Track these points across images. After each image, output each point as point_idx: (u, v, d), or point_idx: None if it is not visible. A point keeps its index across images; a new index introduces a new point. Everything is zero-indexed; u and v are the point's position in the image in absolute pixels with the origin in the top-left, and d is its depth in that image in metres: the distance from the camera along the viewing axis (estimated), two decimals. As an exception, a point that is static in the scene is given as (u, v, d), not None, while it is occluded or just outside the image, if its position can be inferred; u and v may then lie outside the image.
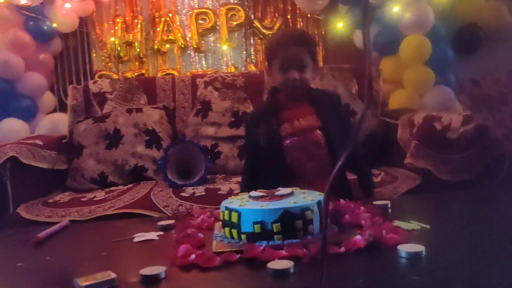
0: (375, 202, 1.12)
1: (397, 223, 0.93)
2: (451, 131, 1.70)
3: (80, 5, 3.00)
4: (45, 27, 2.89)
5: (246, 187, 1.47)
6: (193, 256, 0.79)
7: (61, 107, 3.25)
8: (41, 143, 2.00)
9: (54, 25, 2.91)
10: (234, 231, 0.89)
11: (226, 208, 0.91)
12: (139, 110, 2.23)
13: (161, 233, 1.02)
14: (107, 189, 1.96)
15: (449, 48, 2.83)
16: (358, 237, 0.81)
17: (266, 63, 1.66)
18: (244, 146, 1.98)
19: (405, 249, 0.75)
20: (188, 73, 3.18)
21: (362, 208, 1.03)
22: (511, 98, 3.15)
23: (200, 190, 1.79)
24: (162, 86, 2.41)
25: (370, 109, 2.28)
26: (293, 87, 1.50)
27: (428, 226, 0.91)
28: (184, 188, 1.83)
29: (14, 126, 2.83)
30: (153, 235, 1.00)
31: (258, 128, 1.53)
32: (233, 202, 0.93)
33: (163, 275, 0.73)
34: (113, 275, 0.72)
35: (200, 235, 0.94)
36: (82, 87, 2.38)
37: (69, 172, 2.09)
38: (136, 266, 0.79)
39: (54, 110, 3.20)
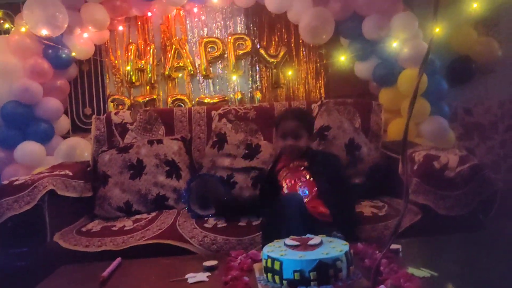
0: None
1: (410, 270, 1.11)
2: (449, 170, 1.89)
3: (97, 34, 3.17)
4: (63, 55, 3.04)
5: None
6: (247, 301, 0.96)
7: (74, 129, 3.41)
8: (71, 173, 2.15)
9: (73, 54, 3.06)
10: (277, 277, 1.07)
11: (269, 257, 1.09)
12: (160, 141, 2.39)
13: (209, 273, 1.19)
14: (133, 218, 2.12)
15: (444, 80, 3.05)
16: (382, 286, 0.99)
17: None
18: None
19: (421, 298, 0.93)
20: (197, 99, 3.37)
21: (378, 252, 1.21)
22: (501, 127, 3.38)
23: (221, 222, 1.96)
24: (179, 118, 2.58)
25: (373, 143, 2.47)
26: (289, 151, 2.08)
27: (436, 274, 1.09)
28: (206, 218, 2.00)
29: (32, 149, 2.98)
30: (203, 276, 1.17)
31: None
32: (273, 251, 1.11)
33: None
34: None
35: (246, 278, 1.11)
36: (104, 117, 2.53)
37: (96, 200, 2.24)
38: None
39: (68, 132, 3.35)
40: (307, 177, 2.00)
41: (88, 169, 2.40)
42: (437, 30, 2.94)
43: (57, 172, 2.07)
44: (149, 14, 3.32)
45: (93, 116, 2.54)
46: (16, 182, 1.88)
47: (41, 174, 2.04)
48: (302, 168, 2.05)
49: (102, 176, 2.29)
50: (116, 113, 2.57)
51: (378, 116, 2.60)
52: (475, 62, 3.30)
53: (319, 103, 2.61)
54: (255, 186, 2.29)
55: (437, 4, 1.23)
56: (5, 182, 1.92)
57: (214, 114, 2.56)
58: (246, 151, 2.38)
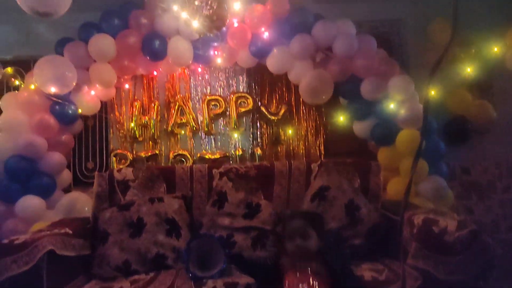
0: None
1: None
2: (448, 235, 1.90)
3: (103, 91, 3.27)
4: (70, 111, 3.12)
5: None
6: None
7: (76, 182, 3.44)
8: (70, 231, 2.14)
9: (80, 110, 3.15)
10: None
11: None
12: (161, 199, 2.41)
13: None
14: (131, 278, 2.09)
15: (441, 140, 3.11)
16: None
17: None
18: None
19: None
20: (199, 155, 3.43)
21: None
22: (500, 186, 3.41)
23: (219, 284, 1.93)
24: (181, 176, 2.61)
25: (373, 204, 2.49)
26: (297, 253, 1.88)
27: None
28: (204, 280, 1.98)
29: (33, 203, 2.98)
30: None
31: None
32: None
33: None
34: None
35: None
36: (107, 174, 2.56)
37: (95, 259, 2.22)
38: None
39: (69, 186, 3.37)
40: (312, 282, 1.80)
41: (88, 226, 2.40)
42: (432, 92, 3.07)
43: (57, 231, 2.07)
44: (155, 73, 3.45)
45: (96, 173, 2.57)
46: (16, 241, 1.88)
47: (41, 232, 2.04)
48: (309, 271, 1.84)
49: (101, 234, 2.29)
50: (118, 170, 2.60)
51: (377, 177, 2.63)
52: (470, 123, 3.39)
53: (319, 162, 2.66)
54: (255, 247, 2.30)
55: (436, 67, 1.29)
56: (5, 241, 1.92)
57: (215, 172, 2.60)
58: (246, 211, 2.40)
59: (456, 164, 3.43)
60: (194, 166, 2.65)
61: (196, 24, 2.56)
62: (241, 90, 3.56)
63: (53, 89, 2.93)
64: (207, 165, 2.68)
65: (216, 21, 2.67)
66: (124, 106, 3.50)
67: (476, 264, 1.86)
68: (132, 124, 3.42)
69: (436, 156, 3.08)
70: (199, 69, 3.51)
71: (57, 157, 3.13)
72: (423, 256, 1.91)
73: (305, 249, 1.87)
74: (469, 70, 3.30)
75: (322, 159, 3.40)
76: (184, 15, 2.62)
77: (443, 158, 3.14)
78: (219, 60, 3.24)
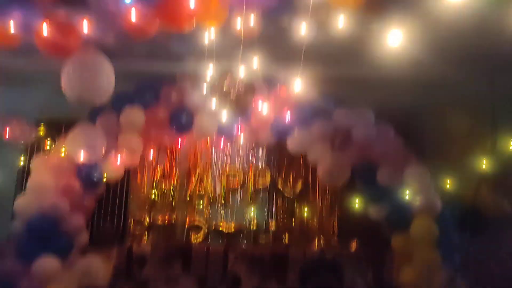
0: None
1: None
2: None
3: (129, 157, 3.39)
4: (95, 177, 3.22)
5: None
6: None
7: (92, 242, 3.48)
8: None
9: (105, 175, 3.26)
10: None
11: None
12: (176, 280, 2.45)
13: None
14: None
15: (455, 232, 3.12)
16: None
17: None
18: None
19: None
20: (214, 226, 3.48)
21: None
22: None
23: None
24: (197, 255, 2.69)
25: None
26: None
27: None
28: None
29: (49, 264, 3.01)
30: None
31: None
32: None
33: None
34: None
35: None
36: (126, 249, 2.64)
37: None
38: None
39: (86, 246, 3.42)
40: None
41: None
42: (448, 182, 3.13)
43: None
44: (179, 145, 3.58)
45: (115, 248, 2.64)
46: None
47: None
48: None
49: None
50: (138, 244, 2.67)
51: (390, 270, 2.64)
52: (486, 215, 3.39)
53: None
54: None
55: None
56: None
57: (230, 256, 2.65)
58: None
59: (470, 255, 3.41)
60: (210, 247, 2.71)
61: (223, 106, 2.72)
62: (260, 165, 3.65)
63: (82, 158, 3.05)
64: (223, 248, 2.73)
65: (242, 105, 2.83)
66: (146, 172, 3.61)
67: None
68: (153, 190, 3.51)
69: (449, 247, 3.08)
70: (221, 143, 3.63)
71: (78, 219, 3.20)
72: None
73: None
74: (484, 162, 3.34)
75: (336, 238, 3.43)
76: (212, 97, 2.78)
77: (457, 249, 3.13)
78: (241, 137, 3.36)
